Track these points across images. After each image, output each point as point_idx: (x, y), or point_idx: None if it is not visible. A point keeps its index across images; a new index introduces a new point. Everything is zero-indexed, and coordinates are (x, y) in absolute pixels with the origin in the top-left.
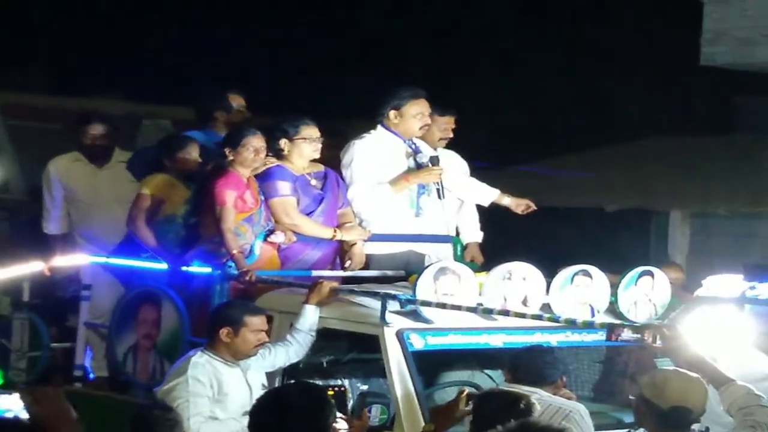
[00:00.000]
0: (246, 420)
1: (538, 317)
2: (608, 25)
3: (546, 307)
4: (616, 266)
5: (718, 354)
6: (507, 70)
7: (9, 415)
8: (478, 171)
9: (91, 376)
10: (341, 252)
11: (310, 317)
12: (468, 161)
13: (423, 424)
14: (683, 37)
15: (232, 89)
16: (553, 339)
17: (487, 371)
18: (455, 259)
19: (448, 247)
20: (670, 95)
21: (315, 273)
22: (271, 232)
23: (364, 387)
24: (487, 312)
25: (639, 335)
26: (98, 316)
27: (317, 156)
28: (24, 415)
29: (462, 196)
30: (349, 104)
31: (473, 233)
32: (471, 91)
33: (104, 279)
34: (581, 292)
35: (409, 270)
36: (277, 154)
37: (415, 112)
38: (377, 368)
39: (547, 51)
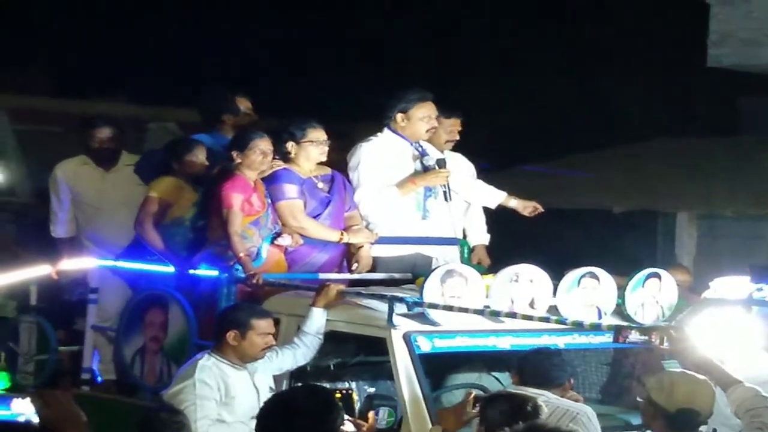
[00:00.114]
0: (254, 423)
1: (546, 319)
2: (615, 26)
3: (553, 309)
4: (623, 268)
5: (725, 356)
6: (512, 71)
7: (21, 419)
8: (484, 173)
9: (99, 379)
10: (348, 255)
11: (318, 320)
12: (472, 163)
13: (430, 426)
14: (689, 39)
15: (238, 92)
16: (561, 341)
17: (494, 374)
18: (462, 262)
19: (455, 250)
20: (677, 97)
21: (322, 276)
22: (278, 235)
23: (372, 389)
24: (494, 314)
25: (646, 337)
26: (106, 320)
27: (324, 159)
28: (35, 420)
29: (469, 198)
30: (356, 107)
31: (480, 235)
32: (476, 92)
33: (112, 282)
34: (588, 294)
35: (416, 272)
36: (284, 157)
37: (422, 115)
38: (384, 371)
39: (552, 52)
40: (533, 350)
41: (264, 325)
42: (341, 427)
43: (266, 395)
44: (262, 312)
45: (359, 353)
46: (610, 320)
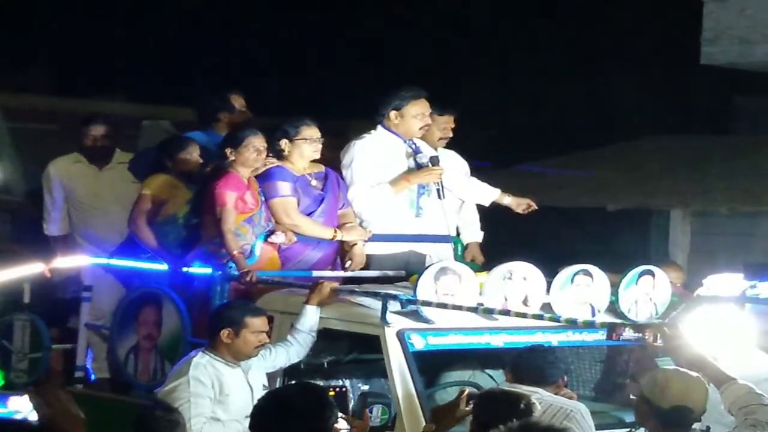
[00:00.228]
0: (248, 421)
1: (539, 317)
2: (609, 25)
3: (547, 306)
4: (616, 266)
5: (719, 353)
6: (507, 70)
7: (18, 416)
8: (479, 171)
9: (93, 377)
10: (342, 252)
11: (311, 318)
12: (468, 161)
13: (424, 424)
14: (683, 37)
15: (233, 90)
16: (554, 339)
17: (488, 371)
18: (456, 259)
19: (448, 247)
20: (671, 94)
21: (315, 273)
22: (271, 232)
23: (365, 387)
24: (488, 312)
25: (640, 334)
26: (99, 318)
27: (318, 156)
28: (32, 417)
29: (462, 195)
30: (350, 104)
31: (474, 233)
32: (471, 91)
33: (105, 280)
34: (582, 292)
35: (410, 270)
36: (278, 154)
37: (416, 113)
38: (378, 368)
39: (546, 52)
40: (527, 348)
41: (258, 322)
42: (335, 425)
43: (260, 393)
44: (255, 310)
45: (353, 351)
46: (603, 317)
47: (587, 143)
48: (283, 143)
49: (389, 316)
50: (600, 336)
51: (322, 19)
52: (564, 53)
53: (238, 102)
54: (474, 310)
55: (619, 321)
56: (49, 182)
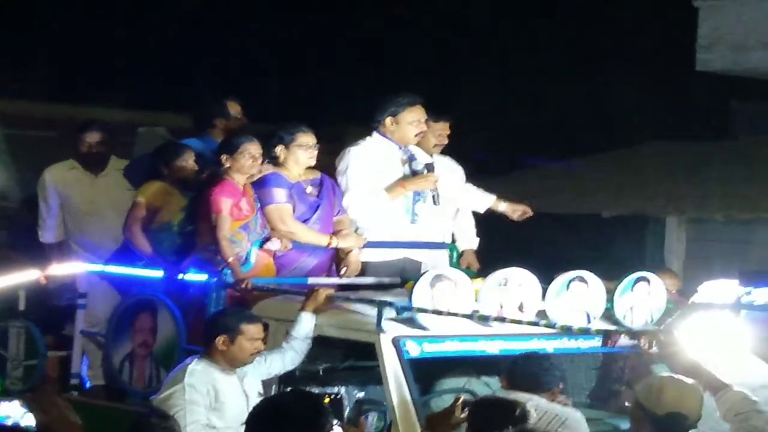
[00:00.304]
0: (243, 429)
1: (535, 324)
2: (605, 31)
3: (542, 313)
4: (612, 272)
5: (714, 360)
6: (507, 70)
7: (9, 422)
8: (475, 176)
9: (88, 384)
10: (337, 259)
11: (307, 325)
12: (464, 165)
13: (419, 431)
14: (680, 43)
15: (229, 96)
16: (550, 345)
17: (483, 378)
18: (451, 266)
19: (444, 254)
20: (667, 100)
21: (311, 280)
22: (267, 239)
23: (361, 394)
24: (484, 319)
25: (635, 341)
26: (94, 325)
27: (313, 163)
28: (24, 422)
29: (458, 202)
30: (349, 105)
31: (469, 240)
32: (471, 91)
33: (100, 287)
34: (577, 299)
35: (405, 277)
36: (273, 161)
37: (412, 119)
38: (374, 375)
39: (547, 51)
40: (522, 355)
41: (253, 329)
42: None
43: (255, 400)
44: (251, 317)
45: (348, 358)
46: (599, 324)
47: (585, 147)
48: (279, 150)
49: (384, 323)
50: (595, 343)
51: (322, 19)
52: (564, 53)
53: (234, 108)
54: (469, 317)
55: (614, 328)
56: (45, 189)
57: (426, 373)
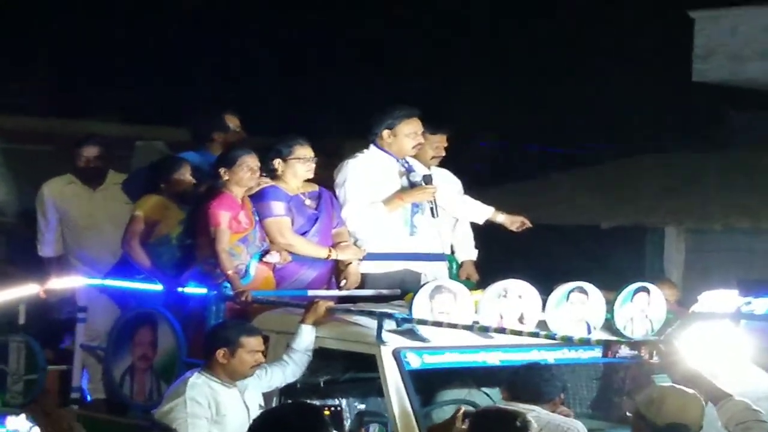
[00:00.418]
0: None
1: (535, 335)
2: (601, 43)
3: (542, 324)
4: (611, 283)
5: (715, 370)
6: (507, 70)
7: None
8: (474, 187)
9: (88, 398)
10: (337, 271)
11: (307, 337)
12: (462, 177)
13: None
14: (677, 53)
15: (227, 109)
16: (550, 356)
17: (484, 389)
18: (450, 278)
19: (443, 266)
20: (665, 110)
21: (311, 293)
22: (266, 252)
23: (361, 406)
24: (484, 330)
25: (635, 351)
26: (94, 338)
27: (311, 176)
28: None
29: (456, 214)
30: (344, 124)
31: (468, 251)
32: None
33: (100, 301)
34: (577, 309)
35: (405, 289)
36: (271, 174)
37: (409, 132)
38: (374, 387)
39: (547, 51)
40: (523, 365)
41: (253, 342)
42: None
43: (256, 413)
44: (251, 329)
45: (349, 370)
46: (599, 335)
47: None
48: (277, 163)
49: (385, 335)
50: (596, 353)
51: (322, 19)
52: (564, 53)
53: (232, 122)
54: (469, 328)
55: (614, 338)
56: (43, 204)
57: (427, 384)
